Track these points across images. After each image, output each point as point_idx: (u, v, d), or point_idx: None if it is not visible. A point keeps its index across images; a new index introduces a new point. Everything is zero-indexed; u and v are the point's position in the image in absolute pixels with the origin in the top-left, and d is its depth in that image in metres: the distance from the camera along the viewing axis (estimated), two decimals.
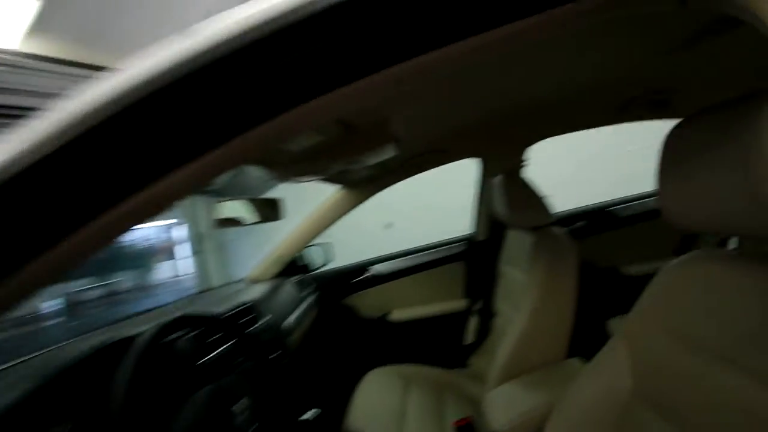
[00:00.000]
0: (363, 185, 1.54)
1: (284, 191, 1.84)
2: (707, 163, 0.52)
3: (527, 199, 1.24)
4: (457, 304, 1.75)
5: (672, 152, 0.60)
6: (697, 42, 0.89)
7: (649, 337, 0.66)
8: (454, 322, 1.73)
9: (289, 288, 1.50)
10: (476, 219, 1.76)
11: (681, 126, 0.59)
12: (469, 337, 1.67)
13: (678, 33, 0.81)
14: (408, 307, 1.76)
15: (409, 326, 1.74)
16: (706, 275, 0.60)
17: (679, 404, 0.58)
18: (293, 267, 1.62)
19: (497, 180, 1.32)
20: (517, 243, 1.38)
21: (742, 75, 1.14)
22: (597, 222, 1.74)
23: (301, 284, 1.59)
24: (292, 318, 1.29)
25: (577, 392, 0.77)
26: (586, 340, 1.23)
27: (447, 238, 1.87)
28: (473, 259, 1.74)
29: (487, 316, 1.56)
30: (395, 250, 1.89)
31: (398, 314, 1.75)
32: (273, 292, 1.38)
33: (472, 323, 1.67)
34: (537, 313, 1.16)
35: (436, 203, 3.74)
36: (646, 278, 1.64)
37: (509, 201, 1.24)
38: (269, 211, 1.29)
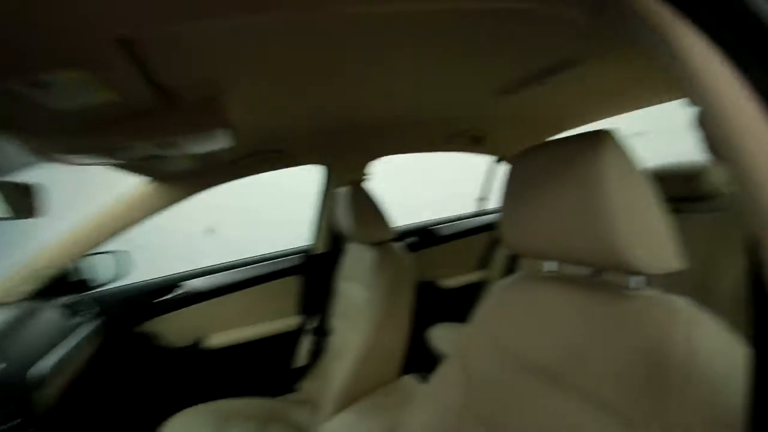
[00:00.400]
0: (181, 180, 1.24)
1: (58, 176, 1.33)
2: (544, 195, 0.56)
3: (372, 213, 1.22)
4: (289, 322, 1.59)
5: (514, 182, 0.63)
6: (514, 90, 1.05)
7: (480, 355, 0.67)
8: (284, 343, 1.57)
9: (50, 314, 1.05)
10: (316, 230, 1.67)
11: (522, 158, 0.62)
12: (301, 358, 1.54)
13: (499, 80, 0.94)
14: (229, 330, 1.50)
15: (230, 352, 1.48)
16: (531, 295, 0.64)
17: (508, 421, 0.60)
18: (63, 283, 1.16)
19: (342, 192, 1.26)
20: (356, 258, 1.34)
21: (543, 124, 1.44)
22: (422, 239, 1.89)
23: (74, 307, 1.15)
24: (49, 360, 0.90)
25: (414, 415, 0.75)
26: (410, 352, 1.28)
27: (281, 249, 1.70)
28: (310, 274, 1.63)
29: (322, 335, 1.47)
30: (217, 262, 1.60)
31: (217, 339, 1.47)
32: (19, 321, 0.94)
33: (305, 343, 1.55)
34: (377, 330, 1.13)
35: (270, 210, 3.49)
36: (458, 290, 1.85)
37: (355, 214, 1.20)
38: (18, 202, 0.85)
